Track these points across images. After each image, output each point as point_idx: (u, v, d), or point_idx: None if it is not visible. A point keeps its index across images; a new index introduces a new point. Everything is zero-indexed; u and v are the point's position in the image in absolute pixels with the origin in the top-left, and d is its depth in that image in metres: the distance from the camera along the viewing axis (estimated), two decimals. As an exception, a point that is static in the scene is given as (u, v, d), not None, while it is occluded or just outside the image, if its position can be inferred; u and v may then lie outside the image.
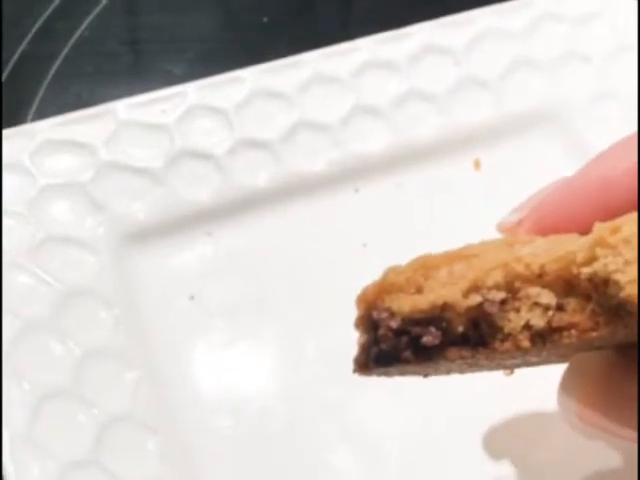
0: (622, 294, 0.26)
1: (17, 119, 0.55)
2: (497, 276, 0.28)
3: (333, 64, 0.53)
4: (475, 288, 0.28)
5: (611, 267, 0.26)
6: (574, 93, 0.55)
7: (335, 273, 0.48)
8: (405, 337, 0.28)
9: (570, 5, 0.57)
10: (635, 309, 0.25)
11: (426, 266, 0.29)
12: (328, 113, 0.53)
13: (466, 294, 0.28)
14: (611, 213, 0.29)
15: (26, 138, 0.49)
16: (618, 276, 0.26)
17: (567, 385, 0.34)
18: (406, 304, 0.28)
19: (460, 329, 0.28)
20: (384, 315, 0.28)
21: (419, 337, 0.28)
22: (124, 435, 0.42)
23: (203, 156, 0.50)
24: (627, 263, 0.26)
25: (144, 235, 0.49)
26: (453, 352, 0.28)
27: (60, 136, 0.49)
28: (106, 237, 0.48)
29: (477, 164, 0.53)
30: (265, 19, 0.63)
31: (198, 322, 0.47)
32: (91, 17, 0.61)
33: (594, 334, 0.27)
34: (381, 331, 0.28)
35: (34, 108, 0.56)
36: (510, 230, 0.36)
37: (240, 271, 0.49)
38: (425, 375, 0.34)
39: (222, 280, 0.48)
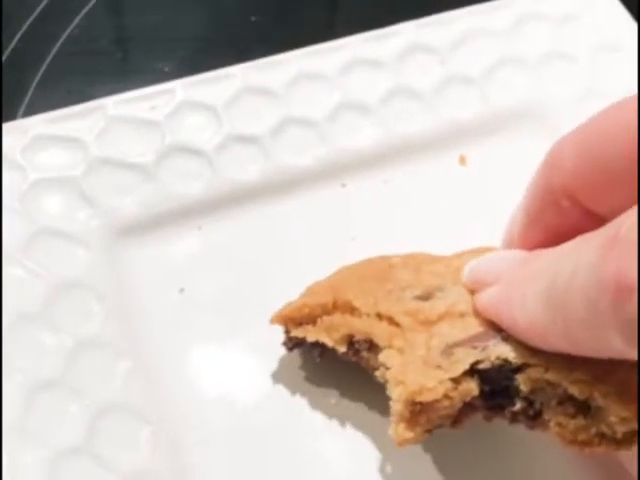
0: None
1: (7, 116, 0.55)
2: (360, 336, 0.41)
3: (320, 61, 0.54)
4: (347, 339, 0.41)
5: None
6: (558, 90, 0.56)
7: (324, 267, 0.49)
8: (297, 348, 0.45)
9: (554, 4, 0.58)
10: None
11: (321, 307, 0.42)
12: (315, 109, 0.53)
13: (338, 342, 0.42)
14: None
15: (18, 134, 0.49)
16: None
17: None
18: (300, 333, 0.43)
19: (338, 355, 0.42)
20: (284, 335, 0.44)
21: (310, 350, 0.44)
22: (116, 424, 0.43)
23: (193, 151, 0.51)
24: (394, 420, 0.36)
25: (134, 229, 0.49)
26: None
27: (51, 132, 0.50)
28: (97, 231, 0.49)
29: (462, 160, 0.54)
30: (253, 18, 0.63)
31: (188, 315, 0.47)
32: (81, 15, 0.62)
33: None
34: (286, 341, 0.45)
35: (24, 106, 0.57)
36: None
37: (229, 265, 0.49)
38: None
39: (212, 273, 0.49)
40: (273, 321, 0.44)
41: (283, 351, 0.46)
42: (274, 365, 0.46)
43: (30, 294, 0.45)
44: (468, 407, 0.36)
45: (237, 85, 0.53)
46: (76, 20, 0.62)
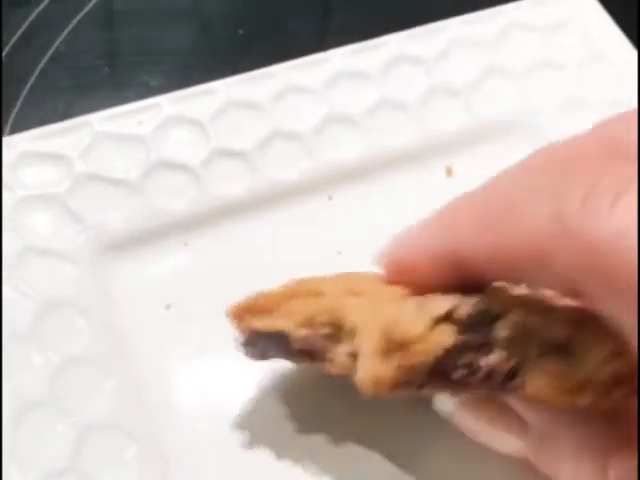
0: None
1: (-6, 133, 0.56)
2: (325, 317, 0.36)
3: (305, 75, 0.54)
4: (307, 322, 0.37)
5: (359, 350, 0.34)
6: (545, 101, 0.56)
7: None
8: (253, 347, 0.40)
9: (540, 14, 0.58)
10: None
11: (281, 295, 0.39)
12: (302, 123, 0.53)
13: (298, 326, 0.37)
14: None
15: (3, 151, 0.49)
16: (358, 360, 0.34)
17: None
18: (256, 323, 0.39)
19: (296, 347, 0.37)
20: (241, 328, 0.41)
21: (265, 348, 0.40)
22: (103, 443, 0.43)
23: (179, 166, 0.51)
24: (363, 354, 0.33)
25: (121, 245, 0.49)
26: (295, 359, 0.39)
27: (37, 148, 0.50)
28: (84, 248, 0.48)
29: (449, 171, 0.54)
30: (240, 31, 0.63)
31: (175, 331, 0.47)
32: (67, 31, 0.62)
33: None
34: (241, 339, 0.41)
35: (10, 122, 0.57)
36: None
37: (216, 280, 0.49)
38: None
39: (198, 289, 0.49)
40: (230, 314, 0.41)
41: (272, 367, 0.46)
42: (263, 382, 0.46)
43: (17, 312, 0.45)
44: (441, 367, 0.32)
45: (223, 99, 0.53)
46: (62, 36, 0.62)
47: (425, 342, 0.32)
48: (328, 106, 0.54)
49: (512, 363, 0.32)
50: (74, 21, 0.63)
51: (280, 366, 0.46)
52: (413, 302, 0.33)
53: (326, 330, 0.37)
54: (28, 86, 0.59)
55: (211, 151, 0.52)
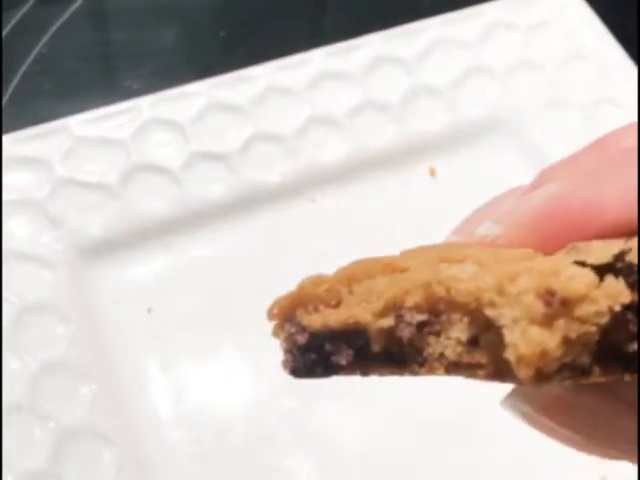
0: (505, 354, 0.23)
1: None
2: (417, 297, 0.25)
3: (287, 76, 0.54)
4: (393, 308, 0.26)
5: (502, 321, 0.23)
6: (527, 100, 0.55)
7: (293, 283, 0.49)
8: (313, 355, 0.26)
9: (522, 14, 0.58)
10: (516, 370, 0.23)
11: (350, 277, 0.27)
12: (283, 124, 0.53)
13: (380, 314, 0.25)
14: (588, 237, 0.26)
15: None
16: (506, 333, 0.23)
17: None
18: (317, 320, 0.26)
19: (377, 348, 0.26)
20: (293, 330, 0.27)
21: (329, 355, 0.26)
22: (81, 448, 0.42)
23: (159, 169, 0.51)
24: (515, 321, 0.23)
25: (101, 249, 0.49)
26: (371, 368, 0.26)
27: (16, 153, 0.50)
28: (63, 252, 0.48)
29: (432, 171, 0.54)
30: (222, 33, 0.63)
31: (156, 335, 0.47)
32: (49, 35, 0.62)
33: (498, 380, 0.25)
34: (288, 347, 0.27)
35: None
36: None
37: (197, 283, 0.49)
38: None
39: (180, 293, 0.49)
40: (272, 315, 0.29)
41: (253, 372, 0.46)
42: (242, 386, 0.46)
43: (-5, 317, 0.45)
44: (613, 336, 0.23)
45: (203, 101, 0.53)
46: (44, 39, 0.61)
47: (596, 302, 0.23)
48: (310, 107, 0.54)
49: None
50: (56, 25, 0.62)
51: (264, 372, 0.46)
52: (561, 255, 0.25)
53: (422, 316, 0.26)
54: (10, 89, 0.59)
55: (191, 154, 0.51)
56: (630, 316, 0.23)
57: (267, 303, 0.47)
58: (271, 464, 0.43)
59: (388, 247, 0.50)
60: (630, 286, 0.23)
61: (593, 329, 0.23)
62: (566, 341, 0.23)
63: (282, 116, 0.53)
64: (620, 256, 0.23)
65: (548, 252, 0.26)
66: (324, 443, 0.44)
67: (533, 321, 0.23)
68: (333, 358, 0.26)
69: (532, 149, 0.54)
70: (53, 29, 0.62)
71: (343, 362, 0.26)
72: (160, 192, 0.51)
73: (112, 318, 0.47)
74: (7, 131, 0.51)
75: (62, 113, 0.53)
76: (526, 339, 0.23)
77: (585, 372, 0.24)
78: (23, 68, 0.60)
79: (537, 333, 0.22)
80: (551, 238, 0.27)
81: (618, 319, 0.23)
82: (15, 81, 0.59)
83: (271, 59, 0.55)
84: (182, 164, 0.51)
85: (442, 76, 0.55)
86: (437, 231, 0.51)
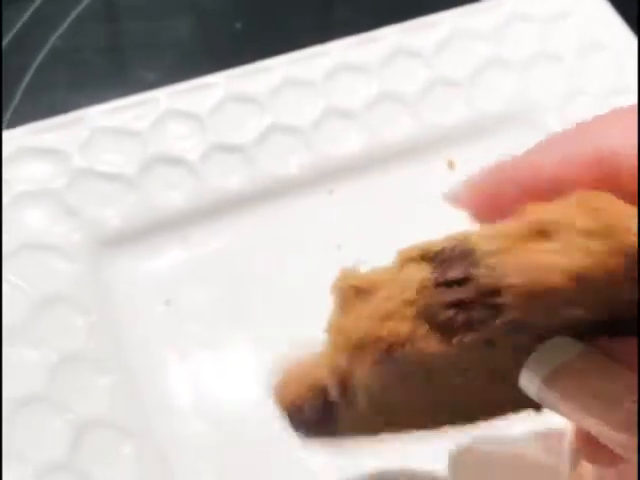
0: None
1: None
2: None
3: (304, 68, 0.54)
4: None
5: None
6: (545, 92, 0.55)
7: (309, 275, 0.48)
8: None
9: (539, 5, 0.57)
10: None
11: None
12: (300, 116, 0.53)
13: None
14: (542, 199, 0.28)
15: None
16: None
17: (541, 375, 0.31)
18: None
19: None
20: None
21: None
22: (100, 439, 0.42)
23: (176, 161, 0.51)
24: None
25: (119, 241, 0.49)
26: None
27: (33, 143, 0.50)
28: (81, 243, 0.48)
29: (451, 164, 0.53)
30: (238, 25, 0.63)
31: (174, 327, 0.47)
32: (65, 26, 0.62)
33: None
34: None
35: (7, 119, 0.56)
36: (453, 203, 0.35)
37: (215, 275, 0.49)
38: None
39: (197, 285, 0.48)
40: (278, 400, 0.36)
41: (270, 364, 0.45)
42: (260, 378, 0.46)
43: (13, 309, 0.45)
44: None
45: (221, 93, 0.52)
46: (59, 30, 0.61)
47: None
48: (327, 99, 0.54)
49: None
50: (71, 16, 0.62)
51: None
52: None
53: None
54: (25, 81, 0.58)
55: (209, 145, 0.51)
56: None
57: (285, 294, 0.47)
58: (289, 456, 0.43)
59: (405, 239, 0.50)
60: None
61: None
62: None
63: (299, 108, 0.53)
64: None
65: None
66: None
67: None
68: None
69: (550, 141, 0.53)
70: (68, 20, 0.62)
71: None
72: (178, 184, 0.50)
73: (130, 310, 0.47)
74: (23, 123, 0.51)
75: (78, 105, 0.52)
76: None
77: None
78: (38, 60, 0.60)
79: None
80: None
81: None
82: (30, 73, 0.59)
83: (287, 51, 0.55)
84: (200, 155, 0.51)
85: (460, 68, 0.55)
86: (454, 224, 0.51)
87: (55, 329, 0.45)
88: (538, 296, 0.25)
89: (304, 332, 0.46)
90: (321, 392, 0.33)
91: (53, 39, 0.61)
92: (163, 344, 0.46)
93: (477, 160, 0.53)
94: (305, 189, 0.52)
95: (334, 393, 0.32)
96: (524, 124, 0.54)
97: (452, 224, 0.49)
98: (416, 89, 0.54)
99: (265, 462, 0.43)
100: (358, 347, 0.28)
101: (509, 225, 0.27)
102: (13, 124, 0.54)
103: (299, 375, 0.35)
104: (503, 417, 0.35)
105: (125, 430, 0.43)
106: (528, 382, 0.29)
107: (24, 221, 0.48)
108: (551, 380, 0.28)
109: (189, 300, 0.48)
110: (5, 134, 0.50)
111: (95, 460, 0.42)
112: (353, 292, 0.29)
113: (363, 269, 0.30)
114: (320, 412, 0.34)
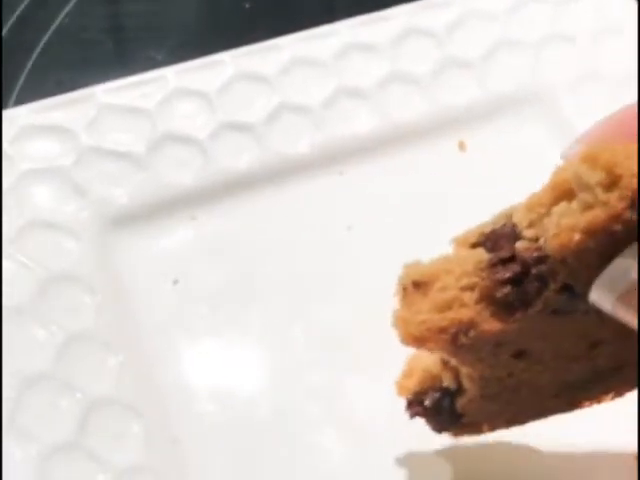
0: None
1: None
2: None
3: (314, 47, 0.53)
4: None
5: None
6: (558, 74, 0.55)
7: (319, 256, 0.48)
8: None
9: (553, -15, 0.57)
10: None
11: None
12: (310, 96, 0.52)
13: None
14: None
15: (6, 124, 0.48)
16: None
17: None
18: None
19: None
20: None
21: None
22: (108, 419, 0.42)
23: (185, 140, 0.50)
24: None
25: (127, 220, 0.48)
26: None
27: (40, 121, 0.49)
28: (88, 222, 0.48)
29: (462, 146, 0.53)
30: (247, 5, 0.62)
31: (182, 306, 0.46)
32: (71, 4, 0.61)
33: None
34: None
35: (14, 97, 0.56)
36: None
37: (224, 255, 0.48)
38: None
39: (206, 264, 0.48)
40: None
41: (280, 345, 0.45)
42: (269, 358, 0.45)
43: (20, 287, 0.44)
44: None
45: (230, 72, 0.52)
46: (66, 9, 0.61)
47: None
48: (337, 79, 0.53)
49: None
50: (78, -6, 0.62)
51: (291, 344, 0.45)
52: None
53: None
54: (32, 60, 0.58)
55: (218, 124, 0.51)
56: None
57: (294, 274, 0.47)
58: (302, 439, 0.43)
59: (416, 220, 0.50)
60: None
61: None
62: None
63: (309, 87, 0.52)
64: None
65: None
66: (354, 419, 0.44)
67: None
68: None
69: (563, 123, 0.53)
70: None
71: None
72: (186, 162, 0.50)
73: (138, 289, 0.46)
74: (30, 100, 0.50)
75: (85, 84, 0.52)
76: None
77: None
78: (45, 38, 0.59)
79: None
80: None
81: None
82: (37, 51, 0.59)
83: (296, 31, 0.54)
84: (208, 134, 0.50)
85: (472, 49, 0.54)
86: (466, 205, 0.51)
87: (63, 308, 0.44)
88: (574, 258, 0.26)
89: (314, 312, 0.46)
90: (439, 382, 0.35)
91: (61, 17, 0.60)
92: (171, 323, 0.46)
93: (488, 142, 0.53)
94: (315, 170, 0.51)
95: (447, 383, 0.35)
96: (536, 105, 0.54)
97: (462, 204, 0.49)
98: (427, 69, 0.54)
99: (276, 442, 0.43)
100: (424, 341, 0.29)
101: (539, 194, 0.28)
102: (20, 102, 0.54)
103: (420, 366, 0.36)
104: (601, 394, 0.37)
105: (133, 410, 0.42)
106: (601, 299, 0.29)
107: (32, 199, 0.47)
108: (627, 297, 0.28)
109: (197, 279, 0.47)
110: (12, 111, 0.49)
111: (103, 440, 0.41)
112: (413, 286, 0.29)
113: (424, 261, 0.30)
114: (439, 402, 0.35)
